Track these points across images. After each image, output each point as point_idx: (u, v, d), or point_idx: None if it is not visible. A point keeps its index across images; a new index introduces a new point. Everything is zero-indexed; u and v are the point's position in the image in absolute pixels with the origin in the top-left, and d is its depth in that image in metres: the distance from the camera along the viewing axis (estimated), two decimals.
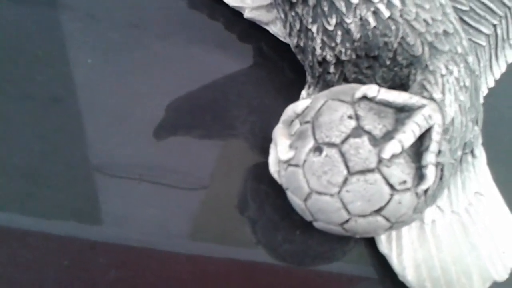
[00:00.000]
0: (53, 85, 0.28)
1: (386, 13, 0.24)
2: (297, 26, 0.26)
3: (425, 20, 0.24)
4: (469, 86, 0.25)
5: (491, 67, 0.31)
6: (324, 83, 0.27)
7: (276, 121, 0.26)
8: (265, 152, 0.29)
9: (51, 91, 0.28)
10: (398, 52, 0.24)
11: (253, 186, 0.30)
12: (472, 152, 0.29)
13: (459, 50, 0.25)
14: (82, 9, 0.31)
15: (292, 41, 0.28)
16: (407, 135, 0.21)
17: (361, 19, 0.24)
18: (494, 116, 0.31)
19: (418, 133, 0.21)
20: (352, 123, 0.22)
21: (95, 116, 0.28)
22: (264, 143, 0.31)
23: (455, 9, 0.30)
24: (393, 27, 0.24)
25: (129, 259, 0.27)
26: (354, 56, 0.25)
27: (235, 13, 0.33)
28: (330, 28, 0.24)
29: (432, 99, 0.22)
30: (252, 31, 0.33)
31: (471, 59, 0.26)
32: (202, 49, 0.33)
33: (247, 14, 0.32)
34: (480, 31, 0.29)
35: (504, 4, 0.30)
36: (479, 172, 0.29)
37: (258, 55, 0.34)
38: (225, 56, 0.34)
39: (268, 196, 0.29)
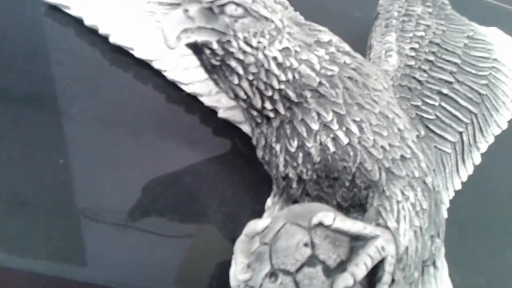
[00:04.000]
0: (21, 187, 0.28)
1: (344, 140, 0.25)
2: (262, 142, 0.27)
3: (382, 147, 0.25)
4: (427, 208, 0.26)
5: (458, 171, 0.31)
6: (288, 195, 0.28)
7: (246, 214, 0.26)
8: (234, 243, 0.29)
9: (18, 194, 0.28)
10: (356, 175, 0.25)
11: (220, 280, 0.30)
12: (434, 263, 0.29)
13: (416, 174, 0.26)
14: (57, 106, 0.31)
15: (258, 153, 0.28)
16: (360, 268, 0.21)
17: (321, 144, 0.25)
18: (457, 223, 0.31)
19: (370, 265, 0.22)
20: (308, 252, 0.22)
21: (62, 219, 0.29)
22: (234, 234, 0.32)
23: (421, 118, 0.31)
24: (352, 153, 0.25)
25: None
26: (315, 176, 0.26)
27: (211, 110, 0.34)
28: (292, 150, 0.25)
29: (386, 227, 0.23)
30: (227, 128, 0.34)
31: (429, 179, 0.27)
32: (175, 144, 0.34)
33: (221, 114, 0.33)
34: (445, 139, 0.30)
35: (470, 111, 0.31)
36: (440, 284, 0.29)
37: (231, 151, 0.35)
38: (199, 150, 0.34)
39: None
